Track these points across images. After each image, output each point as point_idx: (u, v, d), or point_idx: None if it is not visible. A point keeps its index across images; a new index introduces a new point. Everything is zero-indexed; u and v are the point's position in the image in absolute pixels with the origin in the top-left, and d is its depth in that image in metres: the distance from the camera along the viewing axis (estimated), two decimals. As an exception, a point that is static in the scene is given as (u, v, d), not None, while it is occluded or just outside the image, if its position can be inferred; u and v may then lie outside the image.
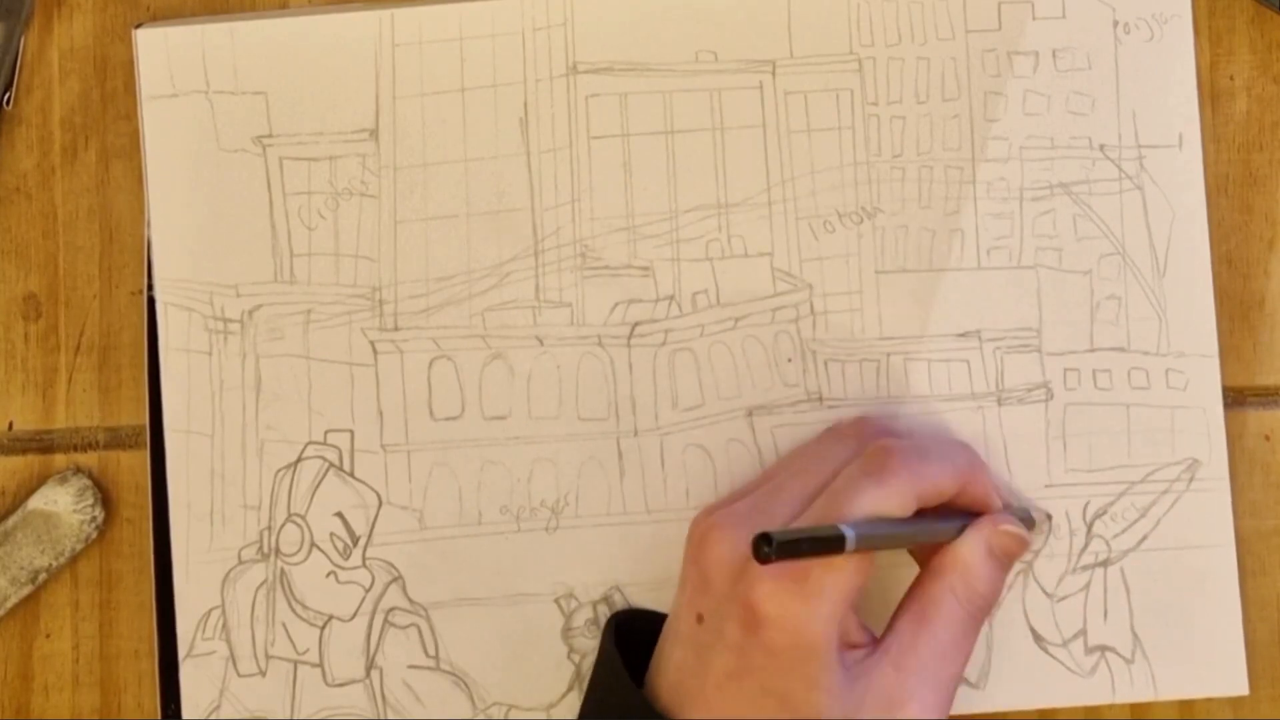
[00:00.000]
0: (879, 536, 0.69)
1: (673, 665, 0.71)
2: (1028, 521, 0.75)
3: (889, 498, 0.70)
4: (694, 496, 0.77)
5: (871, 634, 0.72)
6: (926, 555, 0.73)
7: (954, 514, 0.73)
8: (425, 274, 0.78)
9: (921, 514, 0.71)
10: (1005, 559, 0.73)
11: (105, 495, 0.79)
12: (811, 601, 0.68)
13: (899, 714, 0.69)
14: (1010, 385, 0.77)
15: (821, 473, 0.72)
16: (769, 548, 0.65)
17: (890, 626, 0.72)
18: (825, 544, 0.66)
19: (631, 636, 0.74)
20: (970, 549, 0.72)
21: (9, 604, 0.79)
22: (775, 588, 0.68)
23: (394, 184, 0.78)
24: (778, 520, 0.70)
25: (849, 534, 0.66)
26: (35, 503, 0.78)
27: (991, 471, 0.76)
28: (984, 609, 0.72)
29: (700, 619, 0.70)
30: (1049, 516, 0.77)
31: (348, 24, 0.78)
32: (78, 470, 0.79)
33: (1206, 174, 0.77)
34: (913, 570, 0.74)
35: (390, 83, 0.78)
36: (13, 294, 0.80)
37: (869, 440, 0.73)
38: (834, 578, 0.68)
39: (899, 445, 0.72)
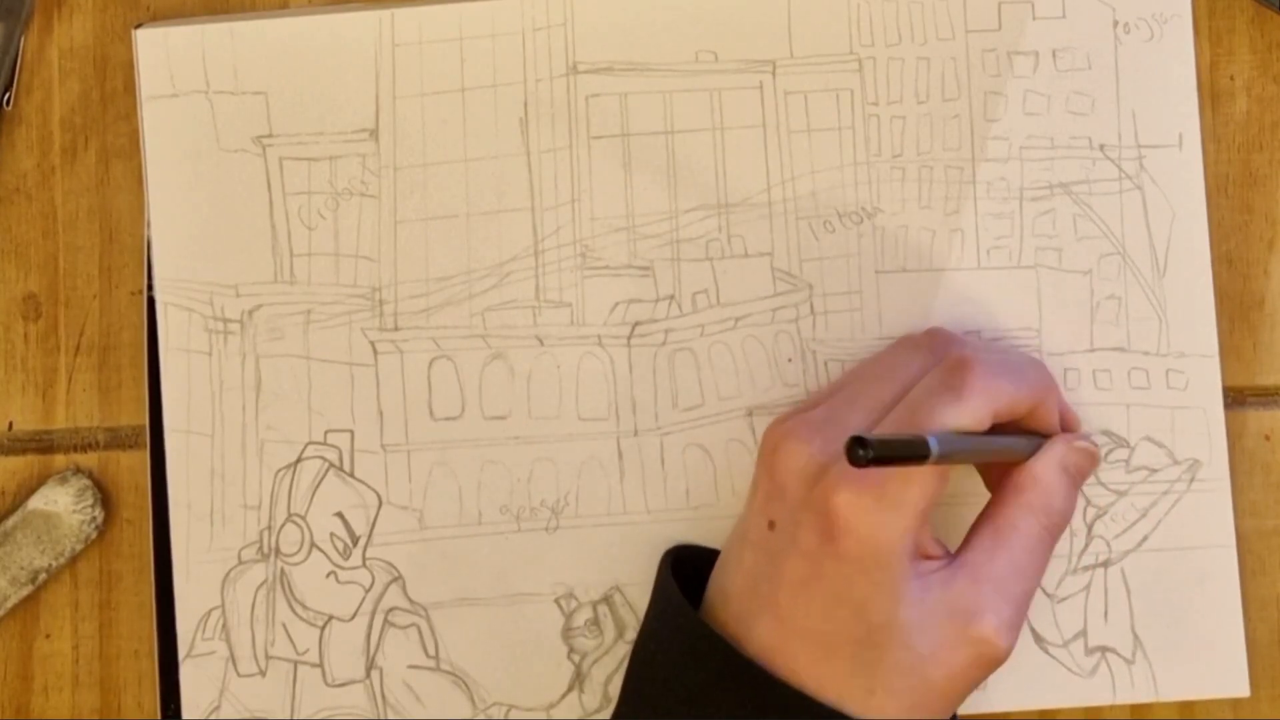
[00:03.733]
0: (959, 451, 0.68)
1: (742, 571, 0.71)
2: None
3: (967, 412, 0.69)
4: (694, 496, 0.78)
5: (945, 548, 0.71)
6: (995, 477, 0.73)
7: (1023, 432, 0.73)
8: (425, 274, 0.78)
9: (994, 430, 0.71)
10: (1079, 476, 0.73)
11: (105, 495, 0.79)
12: (889, 512, 0.68)
13: (975, 625, 0.69)
14: (1010, 385, 0.77)
15: (897, 382, 0.72)
16: (864, 451, 0.64)
17: (967, 542, 0.71)
18: (912, 452, 0.65)
19: (684, 572, 0.74)
20: (1046, 466, 0.72)
21: (9, 604, 0.79)
22: (853, 497, 0.68)
23: (394, 184, 0.78)
24: (851, 428, 0.70)
25: (933, 444, 0.65)
26: (35, 503, 0.78)
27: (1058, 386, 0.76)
28: (1060, 526, 0.72)
29: (772, 525, 0.70)
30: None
31: (348, 24, 0.78)
32: (78, 470, 0.79)
33: (1206, 174, 0.77)
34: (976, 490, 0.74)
35: (390, 83, 0.78)
36: (13, 294, 0.80)
37: (944, 352, 0.73)
38: (912, 489, 0.68)
39: (977, 359, 0.71)
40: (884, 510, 0.68)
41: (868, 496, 0.68)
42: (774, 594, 0.69)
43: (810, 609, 0.69)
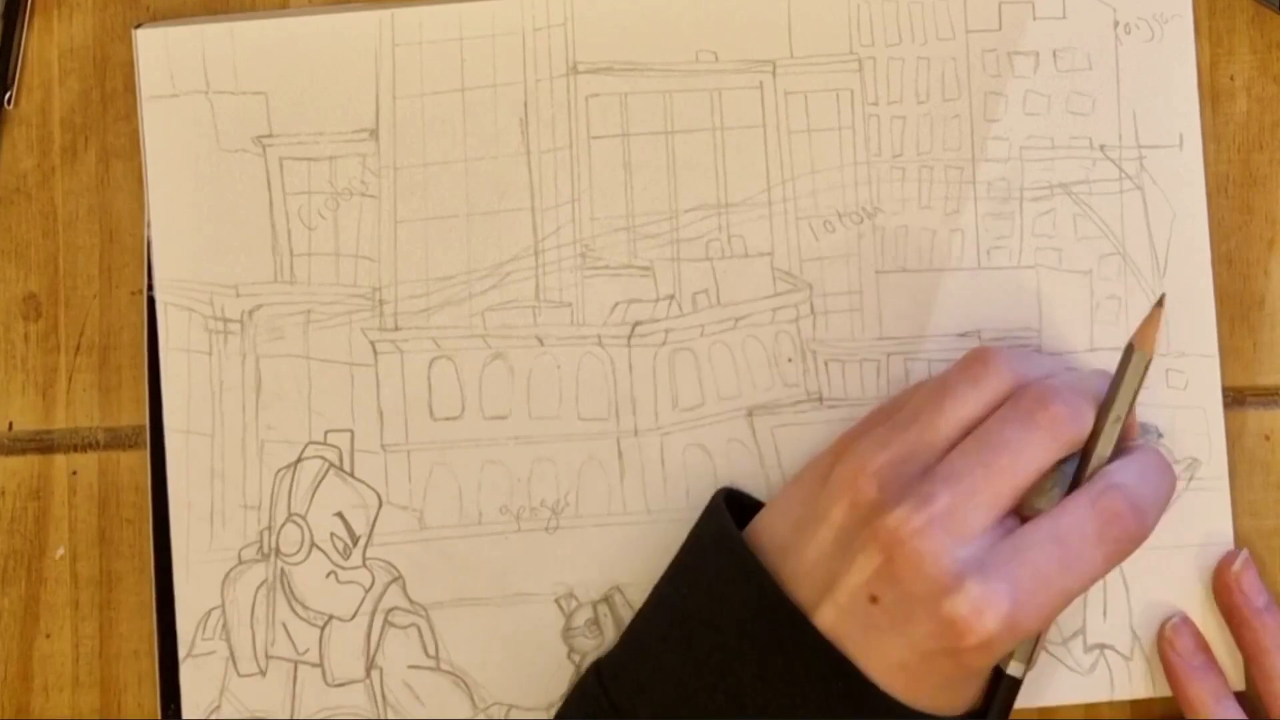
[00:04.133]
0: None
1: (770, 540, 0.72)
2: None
3: (1051, 450, 0.69)
4: (694, 496, 0.77)
5: None
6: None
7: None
8: (425, 274, 0.78)
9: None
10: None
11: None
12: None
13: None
14: (1010, 385, 0.77)
15: (1019, 470, 0.70)
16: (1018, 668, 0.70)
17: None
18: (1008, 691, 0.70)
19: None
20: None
21: None
22: (994, 622, 0.68)
23: (394, 184, 0.78)
24: (979, 533, 0.69)
25: (1018, 673, 0.70)
26: None
27: None
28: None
29: (875, 599, 0.69)
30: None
31: (348, 24, 0.78)
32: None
33: (1206, 174, 0.77)
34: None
35: (390, 83, 0.78)
36: (13, 294, 0.80)
37: (1011, 379, 0.72)
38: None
39: (1055, 389, 0.70)
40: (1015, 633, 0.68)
41: (1003, 626, 0.68)
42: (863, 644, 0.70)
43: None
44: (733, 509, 0.74)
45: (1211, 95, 0.78)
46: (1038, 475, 0.69)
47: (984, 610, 0.67)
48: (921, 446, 0.70)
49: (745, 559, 0.71)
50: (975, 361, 0.72)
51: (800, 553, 0.71)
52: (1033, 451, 0.69)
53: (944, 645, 0.68)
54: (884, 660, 0.69)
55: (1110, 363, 0.75)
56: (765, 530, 0.72)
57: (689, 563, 0.73)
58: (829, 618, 0.69)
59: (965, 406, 0.71)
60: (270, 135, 0.78)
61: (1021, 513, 0.70)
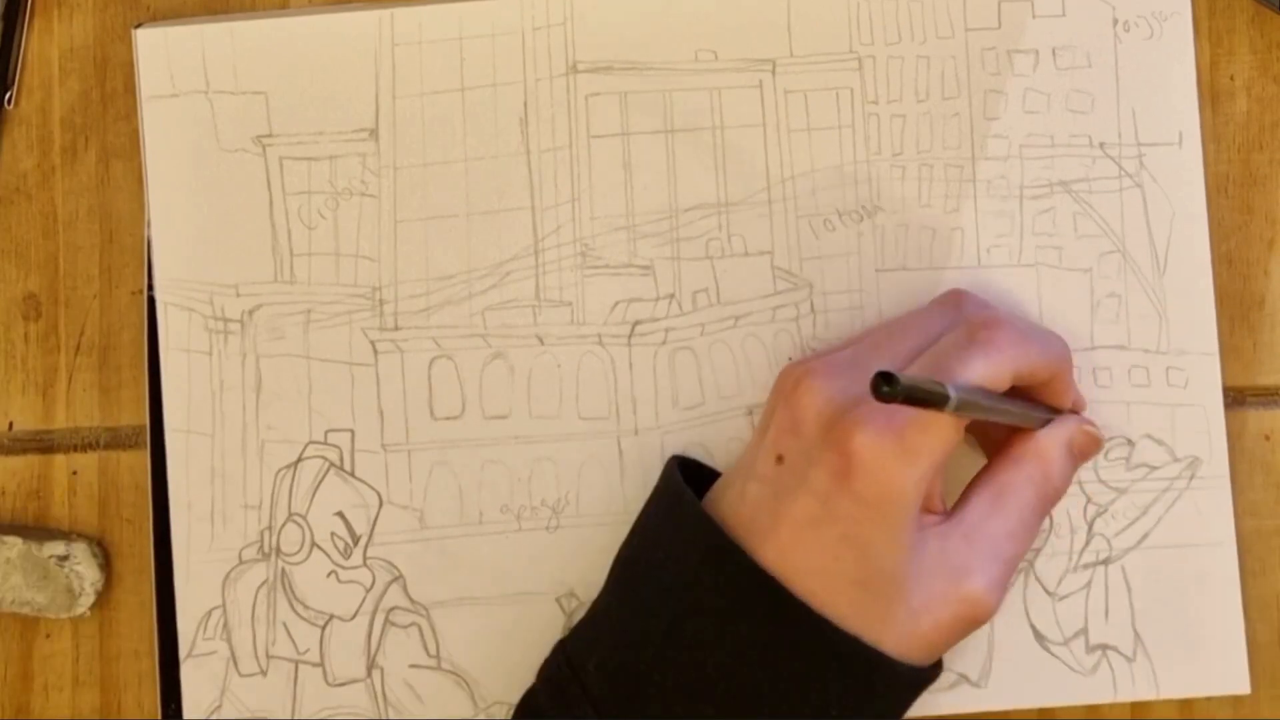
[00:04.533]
0: (977, 404, 0.68)
1: (746, 503, 0.71)
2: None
3: (990, 367, 0.70)
4: (694, 496, 0.77)
5: (945, 505, 0.72)
6: (995, 442, 0.74)
7: (1035, 403, 0.73)
8: (425, 273, 0.78)
9: (1009, 395, 0.72)
10: (1081, 457, 0.74)
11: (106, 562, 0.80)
12: (907, 457, 0.68)
13: (966, 582, 0.70)
14: (1011, 383, 0.77)
15: (923, 335, 0.72)
16: (889, 387, 0.63)
17: (964, 501, 0.72)
18: (933, 397, 0.65)
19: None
20: (1054, 441, 0.73)
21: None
22: (874, 439, 0.68)
23: (394, 184, 0.78)
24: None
25: (953, 393, 0.65)
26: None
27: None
28: (1054, 500, 0.73)
29: (780, 459, 0.70)
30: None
31: (348, 24, 0.78)
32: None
33: (1206, 174, 0.77)
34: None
35: (390, 82, 0.78)
36: (13, 294, 0.80)
37: (971, 312, 0.73)
38: (930, 438, 0.68)
39: (1005, 319, 0.72)
40: (902, 455, 0.68)
41: (888, 440, 0.68)
42: (775, 528, 0.69)
43: (814, 546, 0.69)
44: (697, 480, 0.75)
45: (1211, 95, 0.78)
46: (966, 379, 0.69)
47: (864, 423, 0.68)
48: (872, 365, 0.71)
49: (684, 501, 0.72)
50: (946, 297, 0.75)
51: (744, 490, 0.71)
52: (961, 359, 0.70)
53: (837, 475, 0.68)
54: (798, 530, 0.69)
55: (1109, 361, 0.75)
56: (720, 482, 0.73)
57: (639, 520, 0.74)
58: (765, 562, 0.70)
59: (919, 335, 0.72)
60: (270, 135, 0.78)
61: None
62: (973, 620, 0.70)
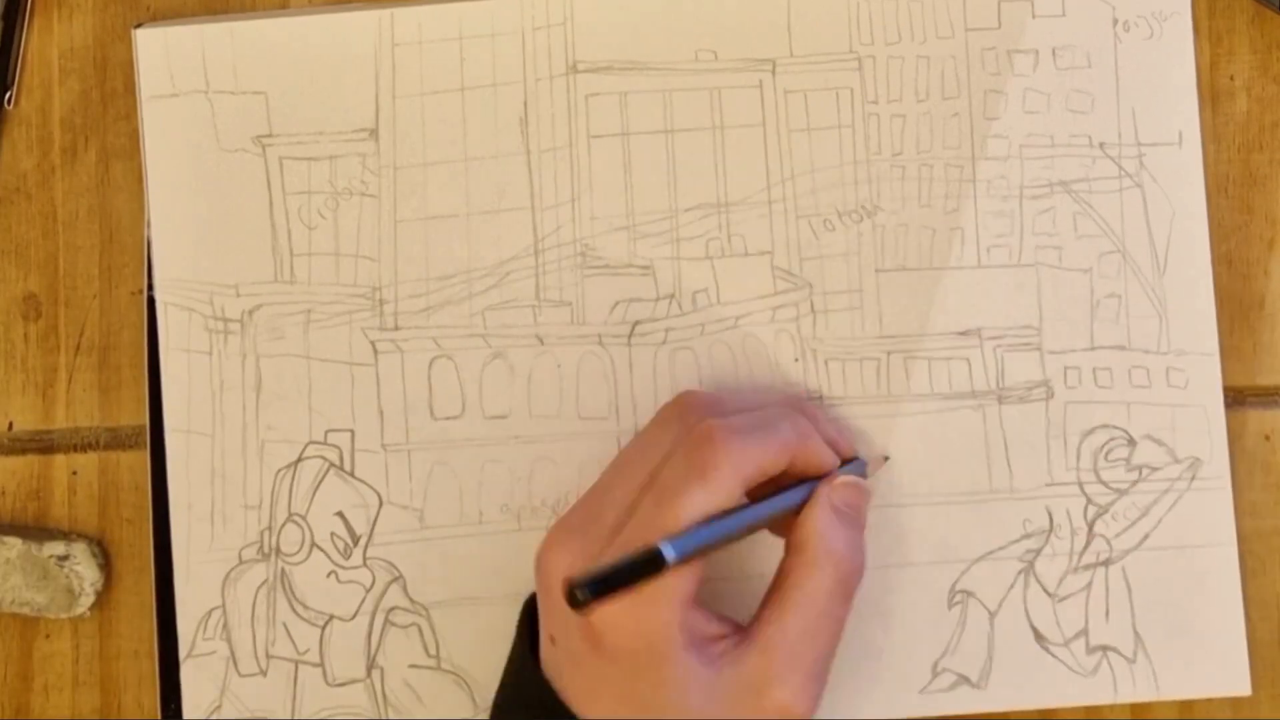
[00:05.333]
0: (709, 540, 0.67)
1: (548, 677, 0.70)
2: (861, 469, 0.74)
3: (715, 492, 0.67)
4: (694, 496, 0.77)
5: (734, 623, 0.70)
6: (784, 527, 0.71)
7: (792, 481, 0.71)
8: (425, 273, 0.78)
9: (758, 489, 0.70)
10: (854, 514, 0.71)
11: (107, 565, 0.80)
12: (646, 607, 0.66)
13: (769, 698, 0.67)
14: (1011, 383, 0.77)
15: (646, 465, 0.70)
16: (582, 593, 0.63)
17: (758, 613, 0.70)
18: (646, 569, 0.64)
19: None
20: (820, 519, 0.70)
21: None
22: (608, 600, 0.65)
23: (394, 184, 0.78)
24: (608, 528, 0.69)
25: (669, 553, 0.64)
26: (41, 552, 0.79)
27: (822, 423, 0.74)
28: (851, 574, 0.70)
29: (553, 640, 0.69)
30: (886, 457, 0.76)
31: (348, 24, 0.78)
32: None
33: (1206, 174, 0.77)
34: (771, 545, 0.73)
35: (390, 82, 0.78)
36: (13, 294, 0.80)
37: (690, 420, 0.71)
38: (665, 583, 0.66)
39: (720, 427, 0.69)
40: (641, 607, 0.66)
41: (621, 599, 0.65)
42: (570, 705, 0.68)
43: (604, 711, 0.68)
44: None
45: (1211, 95, 0.78)
46: (696, 516, 0.67)
47: (608, 610, 0.66)
48: (605, 519, 0.69)
49: (524, 659, 0.71)
50: (668, 407, 0.73)
51: (548, 661, 0.71)
52: (680, 494, 0.68)
53: (589, 642, 0.67)
54: (583, 701, 0.68)
55: (1109, 361, 0.75)
56: None
57: (505, 669, 0.74)
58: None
59: (645, 464, 0.70)
60: (270, 135, 0.78)
61: None
62: None
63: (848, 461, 0.74)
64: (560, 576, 0.67)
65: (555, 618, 0.69)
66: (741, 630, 0.69)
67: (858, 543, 0.71)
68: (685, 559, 0.64)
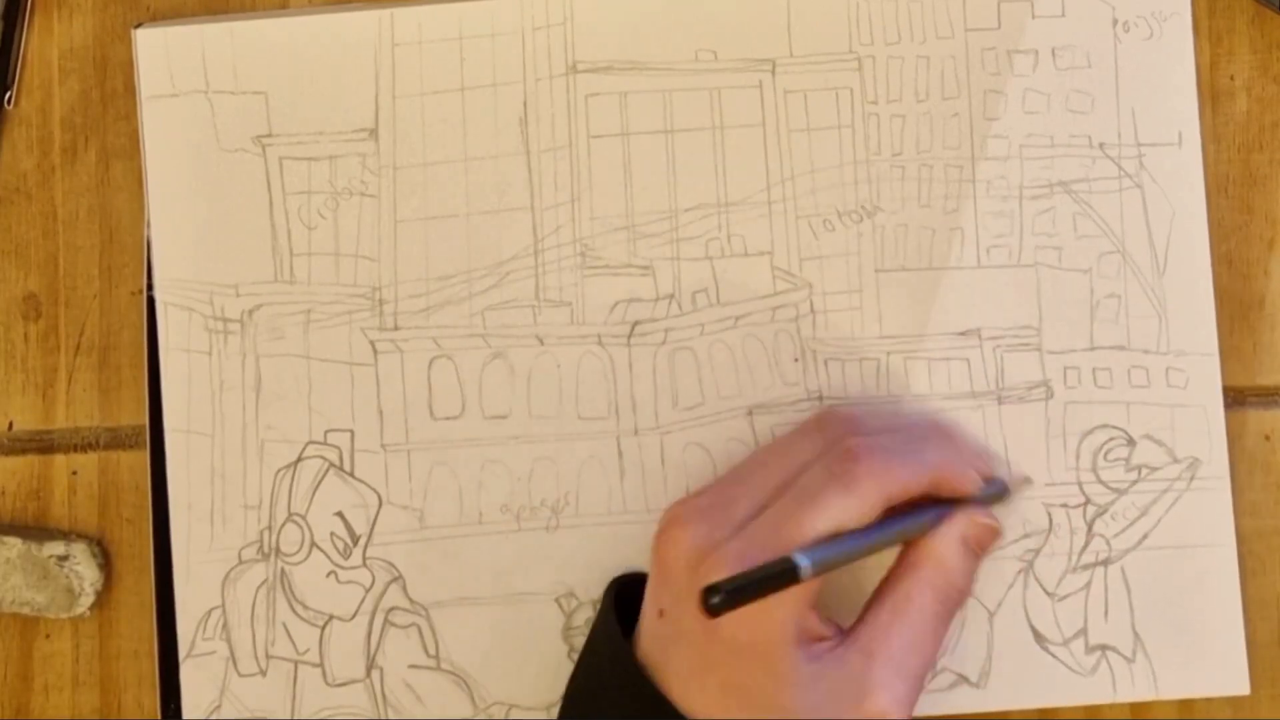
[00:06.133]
0: (843, 554, 0.68)
1: (643, 656, 0.71)
2: (1003, 493, 0.75)
3: (854, 506, 0.69)
4: (694, 496, 0.77)
5: (837, 626, 0.71)
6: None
7: (927, 504, 0.72)
8: (425, 273, 0.78)
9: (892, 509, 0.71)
10: (979, 550, 0.73)
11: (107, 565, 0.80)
12: (768, 606, 0.67)
13: (869, 702, 0.69)
14: (1010, 384, 0.77)
15: (785, 469, 0.71)
16: (717, 599, 0.63)
17: (862, 617, 0.71)
18: (779, 580, 0.65)
19: (633, 602, 0.74)
20: (946, 544, 0.72)
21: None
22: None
23: (394, 184, 0.78)
24: (737, 518, 0.70)
25: (804, 565, 0.65)
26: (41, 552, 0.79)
27: (965, 446, 0.75)
28: (958, 601, 0.72)
29: (662, 613, 0.70)
30: (1028, 480, 0.77)
31: (348, 24, 0.78)
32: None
33: (1206, 174, 0.77)
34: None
35: (390, 82, 0.78)
36: (13, 294, 0.80)
37: (835, 434, 0.72)
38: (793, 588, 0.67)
39: (867, 445, 0.71)
40: (764, 604, 0.66)
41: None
42: (668, 682, 0.69)
43: (704, 695, 0.69)
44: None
45: (1211, 95, 0.78)
46: (829, 527, 0.68)
47: (723, 569, 0.67)
48: (736, 509, 0.70)
49: (615, 642, 0.72)
50: (811, 421, 0.74)
51: (645, 637, 0.71)
52: (818, 503, 0.69)
53: (705, 624, 0.67)
54: (684, 681, 0.69)
55: (1109, 361, 0.75)
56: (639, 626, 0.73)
57: (582, 654, 0.74)
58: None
59: (782, 469, 0.71)
60: (270, 135, 0.78)
61: None
62: None
63: (989, 482, 0.75)
64: (683, 555, 0.69)
65: (670, 593, 0.70)
66: (843, 633, 0.71)
67: (973, 573, 0.73)
68: (820, 572, 0.66)
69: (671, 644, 0.70)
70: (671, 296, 0.77)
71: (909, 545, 0.72)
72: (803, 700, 0.68)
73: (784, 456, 0.72)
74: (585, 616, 0.78)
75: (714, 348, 0.77)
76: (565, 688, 0.75)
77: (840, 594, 0.75)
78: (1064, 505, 0.77)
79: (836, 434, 0.73)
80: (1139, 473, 0.77)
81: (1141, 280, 0.77)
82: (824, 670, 0.69)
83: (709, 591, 0.64)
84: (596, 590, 0.77)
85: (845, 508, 0.69)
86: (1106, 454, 0.77)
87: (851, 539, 0.69)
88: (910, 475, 0.71)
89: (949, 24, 0.77)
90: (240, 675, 0.78)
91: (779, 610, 0.68)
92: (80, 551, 0.79)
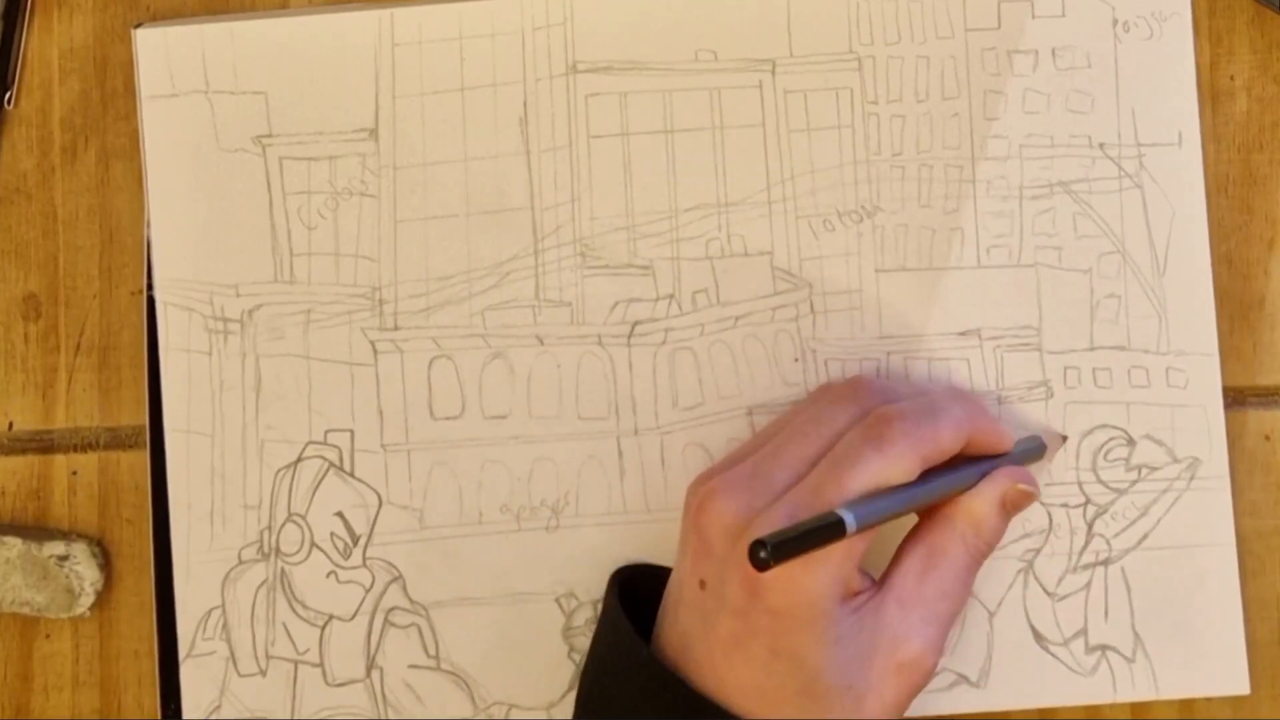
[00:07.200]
0: (883, 513, 0.69)
1: (678, 631, 0.71)
2: (1038, 449, 0.76)
3: (892, 465, 0.70)
4: (694, 496, 0.77)
5: (870, 578, 0.72)
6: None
7: (962, 462, 0.73)
8: (425, 273, 0.78)
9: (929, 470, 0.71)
10: (1015, 511, 0.74)
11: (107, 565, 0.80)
12: (815, 565, 0.68)
13: (904, 649, 0.70)
14: (1010, 384, 0.77)
15: (822, 437, 0.72)
16: (766, 553, 0.64)
17: (895, 567, 0.72)
18: (826, 534, 0.66)
19: (634, 594, 0.74)
20: (984, 502, 0.73)
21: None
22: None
23: (394, 184, 0.78)
24: (777, 487, 0.70)
25: (849, 520, 0.66)
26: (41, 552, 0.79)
27: (982, 401, 0.76)
28: (985, 554, 0.73)
29: (703, 584, 0.70)
30: (1064, 437, 0.77)
31: (348, 24, 0.78)
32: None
33: (1206, 174, 0.77)
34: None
35: (390, 82, 0.78)
36: (13, 294, 0.80)
37: (868, 403, 0.73)
38: (838, 545, 0.68)
39: (899, 409, 0.71)
40: (808, 562, 0.68)
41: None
42: (710, 653, 0.70)
43: (746, 665, 0.69)
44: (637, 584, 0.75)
45: (1211, 95, 0.78)
46: (869, 487, 0.69)
47: (767, 528, 0.68)
48: (775, 479, 0.71)
49: (623, 633, 0.72)
50: (842, 388, 0.74)
51: (677, 617, 0.72)
52: (858, 464, 0.69)
53: (749, 592, 0.68)
54: (727, 651, 0.69)
55: (1109, 361, 0.75)
56: (660, 609, 0.73)
57: (590, 649, 0.74)
58: (705, 690, 0.70)
59: (818, 438, 0.72)
60: (270, 135, 0.78)
61: None
62: (915, 684, 0.71)
63: (1024, 439, 0.75)
64: (723, 524, 0.70)
65: (712, 564, 0.70)
66: (876, 583, 0.72)
67: (1003, 532, 0.74)
68: (865, 527, 0.67)
69: (713, 614, 0.70)
70: (671, 296, 0.77)
71: (946, 499, 0.73)
72: (843, 654, 0.69)
73: (816, 425, 0.73)
74: (585, 616, 0.78)
75: (714, 348, 0.77)
76: (577, 687, 0.75)
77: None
78: (1064, 505, 0.77)
79: (871, 401, 0.73)
80: (1139, 473, 0.77)
81: (1141, 280, 0.77)
82: (862, 621, 0.70)
83: (756, 546, 0.64)
84: (597, 590, 0.77)
85: (884, 469, 0.69)
86: (1106, 454, 0.77)
87: (895, 495, 0.70)
88: (946, 435, 0.72)
89: (949, 24, 0.77)
90: (240, 675, 0.78)
91: (824, 571, 0.68)
92: (80, 551, 0.79)
